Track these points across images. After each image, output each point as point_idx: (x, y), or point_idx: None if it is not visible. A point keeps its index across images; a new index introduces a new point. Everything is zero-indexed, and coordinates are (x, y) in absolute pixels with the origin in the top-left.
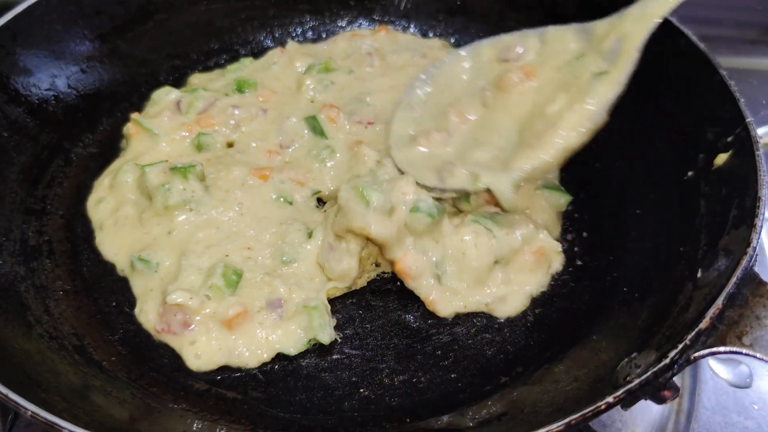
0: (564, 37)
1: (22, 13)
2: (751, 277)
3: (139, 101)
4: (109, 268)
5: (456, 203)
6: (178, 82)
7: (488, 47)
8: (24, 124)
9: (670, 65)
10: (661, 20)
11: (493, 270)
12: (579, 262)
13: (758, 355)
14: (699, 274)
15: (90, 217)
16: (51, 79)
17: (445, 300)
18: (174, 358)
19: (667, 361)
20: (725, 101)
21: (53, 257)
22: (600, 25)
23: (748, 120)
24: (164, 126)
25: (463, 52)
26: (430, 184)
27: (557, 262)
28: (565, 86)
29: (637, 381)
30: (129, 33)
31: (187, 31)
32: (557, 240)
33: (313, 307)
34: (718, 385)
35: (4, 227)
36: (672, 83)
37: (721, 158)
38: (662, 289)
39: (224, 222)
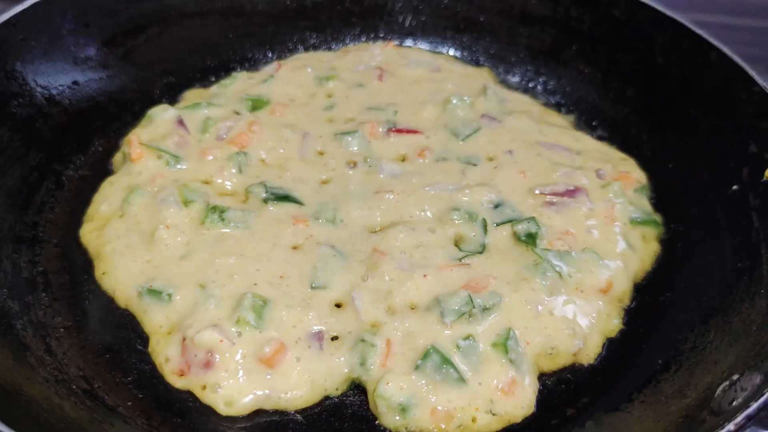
0: None
1: (4, 23)
2: None
3: (132, 120)
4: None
5: None
6: (173, 100)
7: None
8: (9, 143)
9: (703, 79)
10: None
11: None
12: None
13: None
14: None
15: (86, 246)
16: (37, 95)
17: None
18: (200, 401)
19: None
20: None
21: (50, 290)
22: None
23: None
24: (181, 148)
25: None
26: None
27: (627, 298)
28: None
29: (755, 405)
30: (120, 47)
31: (182, 47)
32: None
33: (364, 341)
34: None
35: None
36: (707, 97)
37: None
38: (726, 308)
39: (251, 248)
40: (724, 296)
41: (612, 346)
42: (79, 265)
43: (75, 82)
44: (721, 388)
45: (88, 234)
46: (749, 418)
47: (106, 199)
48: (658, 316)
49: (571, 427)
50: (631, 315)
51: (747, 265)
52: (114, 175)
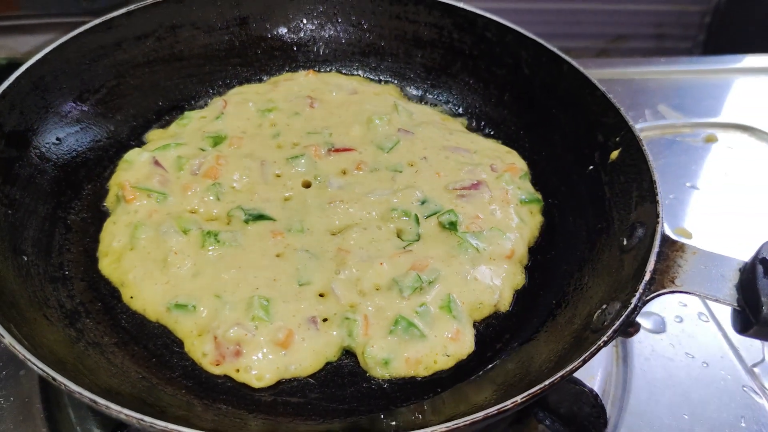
0: None
1: None
2: (665, 238)
3: (109, 164)
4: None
5: None
6: (140, 142)
7: None
8: (22, 200)
9: (560, 86)
10: None
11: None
12: None
13: (690, 290)
14: (624, 242)
15: (108, 277)
16: (31, 155)
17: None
18: (236, 381)
19: (631, 306)
20: (608, 110)
21: (91, 316)
22: None
23: (630, 124)
24: (165, 186)
25: None
26: None
27: (525, 259)
28: None
29: (617, 322)
30: (87, 102)
31: (137, 94)
32: None
33: (348, 318)
34: (642, 333)
35: (41, 297)
36: (563, 100)
37: (614, 154)
38: (593, 258)
39: (246, 260)
40: (590, 250)
41: (519, 295)
42: (106, 293)
43: (57, 139)
44: (596, 314)
45: (107, 267)
46: (615, 332)
47: (114, 236)
48: (548, 269)
49: (500, 356)
50: (529, 271)
51: (604, 225)
52: (113, 215)
